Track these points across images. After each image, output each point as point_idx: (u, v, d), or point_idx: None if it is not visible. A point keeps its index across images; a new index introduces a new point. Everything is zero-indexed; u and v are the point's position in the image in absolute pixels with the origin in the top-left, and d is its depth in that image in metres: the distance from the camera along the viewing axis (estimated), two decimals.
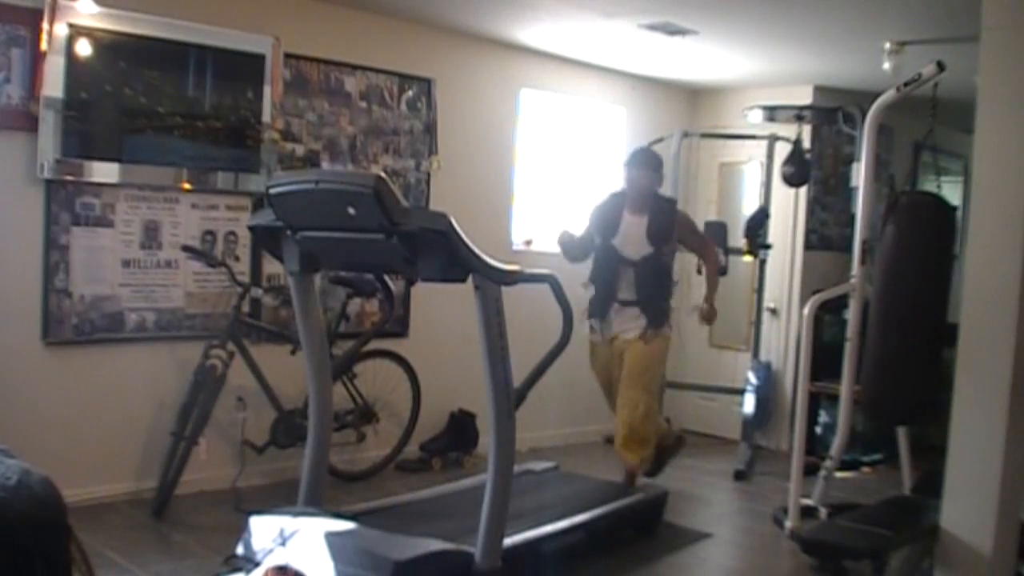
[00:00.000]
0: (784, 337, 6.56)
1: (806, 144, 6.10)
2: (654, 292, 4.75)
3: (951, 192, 4.98)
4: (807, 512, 4.47)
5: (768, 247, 6.10)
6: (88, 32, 4.26)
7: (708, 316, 4.97)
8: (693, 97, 7.09)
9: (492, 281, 3.15)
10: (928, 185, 6.73)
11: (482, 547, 3.19)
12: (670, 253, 4.86)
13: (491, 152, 5.94)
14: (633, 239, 4.74)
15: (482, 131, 5.88)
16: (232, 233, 4.83)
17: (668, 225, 4.75)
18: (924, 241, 3.91)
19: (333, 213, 3.12)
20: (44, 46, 4.13)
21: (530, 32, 5.57)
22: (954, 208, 4.09)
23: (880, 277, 4.08)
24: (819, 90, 6.43)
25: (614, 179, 6.59)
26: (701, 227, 5.45)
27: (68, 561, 2.21)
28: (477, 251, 3.10)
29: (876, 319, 4.07)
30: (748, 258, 6.07)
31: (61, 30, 4.17)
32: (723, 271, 5.55)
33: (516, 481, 3.38)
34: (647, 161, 4.83)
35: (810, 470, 4.62)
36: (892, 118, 6.18)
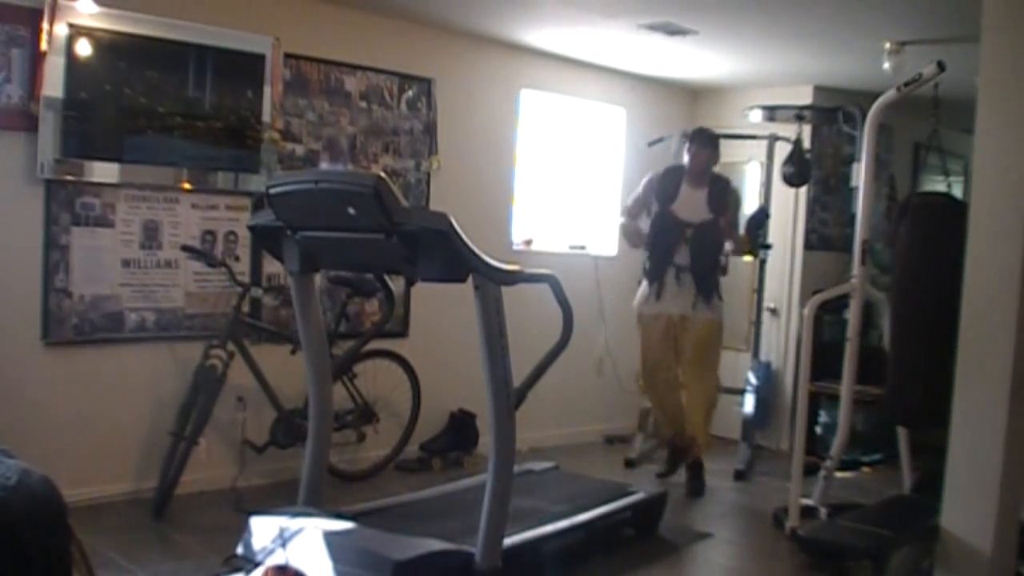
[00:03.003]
0: (784, 337, 6.56)
1: (806, 144, 6.10)
2: (708, 259, 5.10)
3: (953, 192, 4.97)
4: (807, 512, 4.47)
5: (768, 247, 6.10)
6: (88, 32, 4.26)
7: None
8: (693, 97, 7.09)
9: (492, 281, 3.15)
10: (930, 185, 6.73)
11: (482, 547, 3.20)
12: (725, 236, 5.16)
13: (491, 152, 5.93)
14: (693, 206, 5.11)
15: (482, 131, 5.88)
16: (232, 233, 4.83)
17: (724, 196, 5.15)
18: (939, 241, 3.90)
19: (333, 213, 3.12)
20: (44, 46, 4.12)
21: (530, 32, 5.56)
22: (967, 205, 4.08)
23: (897, 280, 4.08)
24: (819, 90, 6.43)
25: (614, 179, 6.64)
26: None
27: (68, 561, 2.21)
28: (477, 251, 3.10)
29: (897, 322, 4.05)
30: (748, 258, 6.07)
31: (61, 30, 4.17)
32: (723, 271, 5.54)
33: (516, 481, 3.38)
34: (710, 139, 5.25)
35: (810, 470, 4.62)
36: (892, 118, 6.18)
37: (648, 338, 5.22)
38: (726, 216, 5.15)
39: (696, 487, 5.26)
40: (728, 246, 5.19)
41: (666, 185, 5.19)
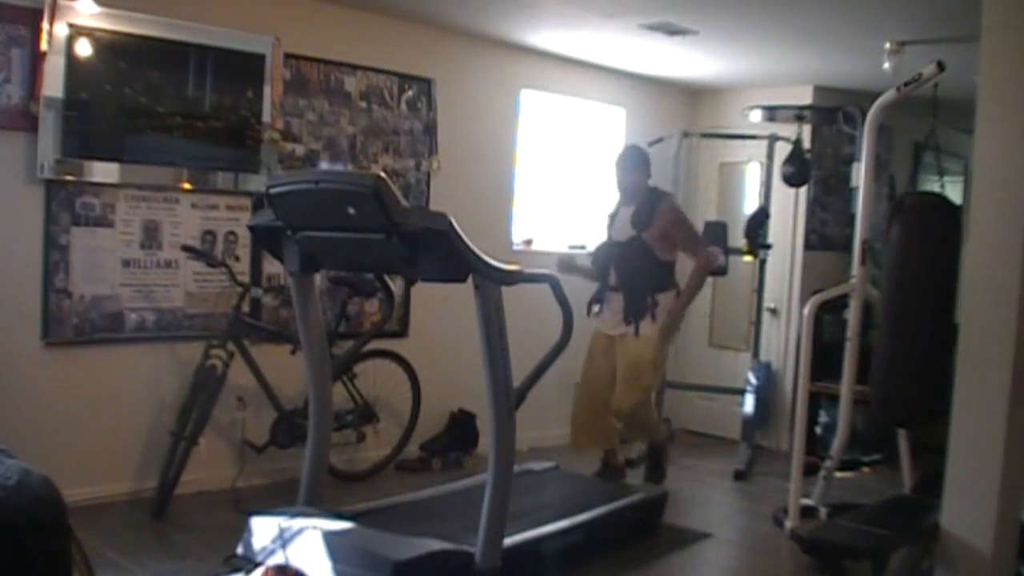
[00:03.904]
0: (784, 337, 6.56)
1: (806, 144, 6.10)
2: (635, 277, 4.90)
3: (951, 192, 4.97)
4: (807, 512, 4.47)
5: (768, 247, 6.10)
6: (88, 32, 4.26)
7: (666, 328, 4.89)
8: (693, 97, 7.09)
9: (492, 281, 3.15)
10: (929, 185, 6.73)
11: (482, 547, 3.20)
12: (661, 247, 4.89)
13: (491, 152, 5.93)
14: (622, 225, 5.00)
15: (482, 131, 5.88)
16: (232, 233, 4.83)
17: (650, 211, 4.88)
18: (930, 241, 3.90)
19: (333, 213, 3.12)
20: (44, 46, 4.12)
21: (530, 32, 5.57)
22: (959, 207, 4.08)
23: (887, 278, 4.08)
24: (819, 90, 6.43)
25: (614, 179, 6.63)
26: (700, 227, 5.46)
27: (68, 561, 2.21)
28: (477, 251, 3.10)
29: (884, 321, 4.06)
30: (748, 258, 6.07)
31: (61, 30, 4.17)
32: (723, 271, 5.57)
33: (516, 481, 3.38)
34: (630, 161, 5.04)
35: (810, 470, 4.62)
36: (892, 118, 6.17)
37: (591, 352, 5.07)
38: (653, 230, 4.84)
39: (655, 476, 5.28)
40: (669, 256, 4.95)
41: (613, 214, 5.12)
